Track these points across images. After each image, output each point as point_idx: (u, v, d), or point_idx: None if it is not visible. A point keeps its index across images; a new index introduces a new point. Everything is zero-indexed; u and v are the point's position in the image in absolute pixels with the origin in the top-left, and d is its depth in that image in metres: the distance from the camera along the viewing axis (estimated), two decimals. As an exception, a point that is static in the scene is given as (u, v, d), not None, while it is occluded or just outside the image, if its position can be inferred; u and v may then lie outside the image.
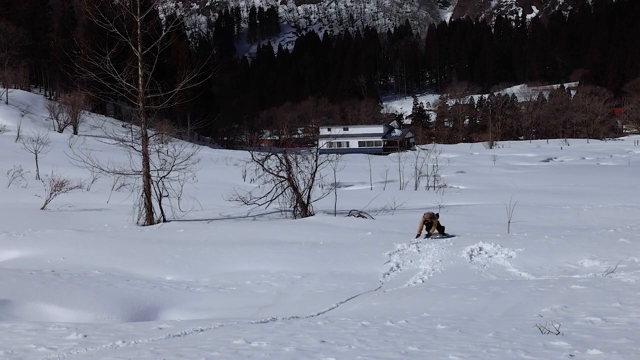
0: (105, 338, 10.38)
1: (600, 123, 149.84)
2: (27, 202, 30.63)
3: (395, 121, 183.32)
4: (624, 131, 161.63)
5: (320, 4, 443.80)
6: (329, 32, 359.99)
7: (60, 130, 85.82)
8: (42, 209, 28.96)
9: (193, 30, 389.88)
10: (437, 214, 22.54)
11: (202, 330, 10.98)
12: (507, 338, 9.49)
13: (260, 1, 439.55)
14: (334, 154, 34.48)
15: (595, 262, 16.89)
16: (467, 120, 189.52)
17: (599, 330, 9.93)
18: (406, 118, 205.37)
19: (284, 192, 28.60)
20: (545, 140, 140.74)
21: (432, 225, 21.87)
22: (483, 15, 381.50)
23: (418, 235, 21.95)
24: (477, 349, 8.85)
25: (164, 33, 28.96)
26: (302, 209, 28.36)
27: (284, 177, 28.64)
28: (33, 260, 18.69)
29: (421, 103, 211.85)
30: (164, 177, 26.98)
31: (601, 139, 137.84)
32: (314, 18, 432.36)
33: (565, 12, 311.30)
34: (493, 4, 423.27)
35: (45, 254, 19.46)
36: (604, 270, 15.84)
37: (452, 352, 8.70)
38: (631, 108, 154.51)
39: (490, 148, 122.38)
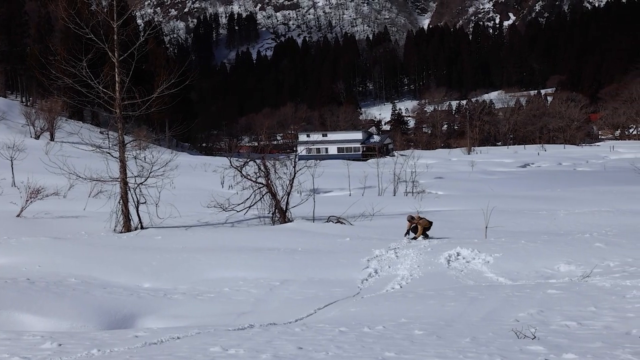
0: (81, 347, 10.30)
1: (577, 129, 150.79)
2: (3, 210, 30.41)
3: (374, 127, 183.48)
4: (599, 137, 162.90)
5: (299, 11, 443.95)
6: (307, 39, 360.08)
7: (37, 137, 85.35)
8: (18, 216, 28.76)
9: (171, 36, 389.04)
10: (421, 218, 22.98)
11: (178, 337, 10.93)
12: (483, 343, 9.51)
13: (239, 7, 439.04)
14: (313, 160, 34.49)
15: (571, 266, 16.98)
16: (445, 126, 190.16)
17: (574, 334, 9.98)
18: (385, 124, 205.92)
19: (262, 199, 28.56)
20: (523, 146, 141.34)
21: (417, 227, 22.38)
22: (461, 22, 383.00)
23: (407, 233, 22.67)
24: (454, 354, 8.88)
25: (141, 39, 28.85)
26: (281, 215, 28.33)
27: (262, 184, 28.61)
28: (8, 269, 18.53)
29: (400, 109, 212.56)
30: (141, 183, 26.85)
31: (577, 145, 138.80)
32: (293, 24, 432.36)
33: (542, 19, 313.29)
34: (470, 11, 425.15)
35: (20, 262, 19.30)
36: (579, 275, 15.93)
37: (429, 358, 8.72)
38: (607, 114, 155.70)
39: (469, 154, 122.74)
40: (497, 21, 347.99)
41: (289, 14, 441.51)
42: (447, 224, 26.46)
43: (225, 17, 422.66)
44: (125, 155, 26.79)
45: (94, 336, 11.49)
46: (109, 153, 27.20)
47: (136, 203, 26.68)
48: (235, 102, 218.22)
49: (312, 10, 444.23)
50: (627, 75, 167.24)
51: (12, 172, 43.73)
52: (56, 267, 18.83)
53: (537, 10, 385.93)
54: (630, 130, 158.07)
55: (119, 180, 26.50)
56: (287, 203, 28.80)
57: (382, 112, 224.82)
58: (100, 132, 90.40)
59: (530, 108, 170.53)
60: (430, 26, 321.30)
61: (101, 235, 24.80)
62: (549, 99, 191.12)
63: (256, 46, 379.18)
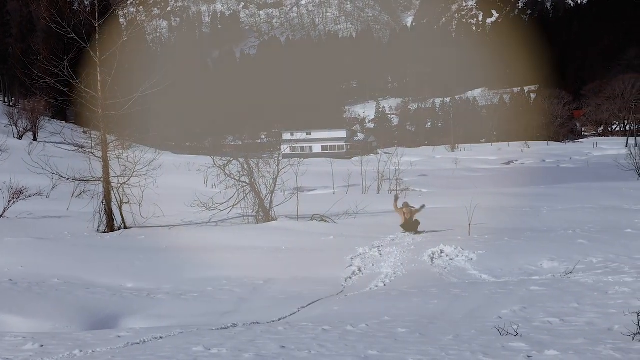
0: (63, 347, 10.26)
1: (560, 126, 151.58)
2: (-15, 210, 30.20)
3: (358, 125, 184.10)
4: (583, 133, 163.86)
5: (282, 9, 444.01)
6: (291, 37, 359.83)
7: (20, 137, 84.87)
8: (0, 216, 28.62)
9: (154, 35, 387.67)
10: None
11: (161, 337, 10.90)
12: (466, 340, 9.54)
13: (222, 6, 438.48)
14: (297, 159, 34.47)
15: (554, 263, 17.04)
16: (429, 123, 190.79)
17: (557, 330, 10.03)
18: (369, 122, 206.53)
19: (246, 197, 28.49)
20: (506, 143, 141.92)
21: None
22: (444, 19, 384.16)
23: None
24: (436, 352, 8.90)
25: (124, 38, 28.73)
26: (264, 214, 28.27)
27: (245, 182, 28.55)
28: (-10, 269, 18.40)
29: (384, 107, 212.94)
30: (124, 183, 26.74)
31: (561, 142, 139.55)
32: (276, 22, 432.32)
33: (525, 16, 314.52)
34: (454, 8, 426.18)
35: (3, 263, 19.14)
36: (562, 271, 16.00)
37: (412, 356, 8.73)
38: (590, 111, 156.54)
39: (452, 151, 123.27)
40: (480, 18, 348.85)
41: (272, 12, 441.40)
42: (431, 222, 26.47)
43: (208, 15, 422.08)
44: (108, 154, 26.67)
45: (76, 337, 11.45)
46: (91, 153, 27.07)
47: (119, 203, 26.57)
48: (218, 101, 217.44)
49: (295, 9, 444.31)
50: (610, 72, 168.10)
51: (-6, 173, 43.48)
52: (39, 268, 18.71)
53: (520, 7, 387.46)
54: (614, 127, 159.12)
55: (102, 180, 26.39)
56: (271, 202, 28.75)
57: (366, 110, 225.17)
58: (84, 132, 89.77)
59: (514, 105, 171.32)
60: (414, 23, 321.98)
61: (84, 235, 24.68)
62: (532, 96, 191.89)
63: (240, 45, 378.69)
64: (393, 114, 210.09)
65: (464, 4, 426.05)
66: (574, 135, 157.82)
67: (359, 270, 18.26)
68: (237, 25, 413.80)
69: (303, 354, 9.09)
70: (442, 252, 19.22)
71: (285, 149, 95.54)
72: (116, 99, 27.12)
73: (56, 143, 57.84)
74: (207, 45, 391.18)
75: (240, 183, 28.58)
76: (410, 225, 23.50)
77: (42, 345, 10.38)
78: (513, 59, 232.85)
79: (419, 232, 23.36)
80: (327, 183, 52.04)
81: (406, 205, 24.03)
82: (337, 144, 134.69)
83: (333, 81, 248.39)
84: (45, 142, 73.72)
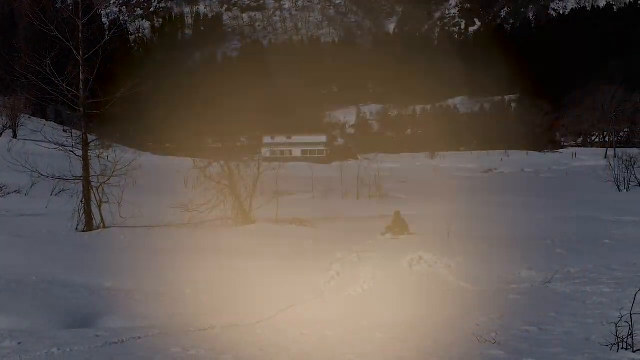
0: (41, 345, 10.22)
1: (540, 135, 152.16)
2: (-37, 207, 29.98)
3: (338, 130, 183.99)
4: (562, 144, 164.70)
5: (265, 12, 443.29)
6: (273, 40, 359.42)
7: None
8: (-22, 214, 28.39)
9: (137, 35, 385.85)
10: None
11: (139, 337, 10.87)
12: (445, 347, 9.58)
13: (205, 8, 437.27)
14: (277, 162, 34.48)
15: (532, 272, 17.14)
16: (409, 130, 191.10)
17: (534, 339, 10.10)
18: (349, 128, 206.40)
19: (225, 200, 28.43)
20: (486, 151, 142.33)
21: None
22: (426, 26, 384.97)
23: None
24: (414, 358, 8.93)
25: (106, 37, 28.61)
26: (244, 216, 28.23)
27: (225, 185, 28.50)
28: (-32, 267, 18.27)
29: (364, 113, 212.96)
30: (104, 182, 26.62)
31: (540, 152, 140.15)
32: (259, 26, 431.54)
33: (507, 26, 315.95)
34: (436, 16, 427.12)
35: (-20, 261, 19.03)
36: (540, 281, 16.09)
37: (390, 361, 8.77)
38: (569, 121, 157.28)
39: (432, 159, 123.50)
40: (463, 27, 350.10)
41: (255, 15, 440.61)
42: (410, 228, 26.56)
43: (191, 17, 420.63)
44: (89, 153, 26.53)
45: (54, 335, 11.40)
46: (72, 151, 26.91)
47: (99, 202, 26.43)
48: (200, 102, 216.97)
49: (278, 12, 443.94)
50: (590, 82, 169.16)
51: (-28, 170, 43.14)
52: (17, 266, 18.57)
53: (502, 16, 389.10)
54: (593, 138, 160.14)
55: (82, 179, 26.25)
56: (250, 205, 28.72)
57: (347, 116, 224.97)
58: (64, 131, 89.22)
59: (494, 114, 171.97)
60: (396, 30, 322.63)
61: (63, 234, 24.54)
62: (513, 105, 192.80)
63: (222, 47, 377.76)
64: (373, 120, 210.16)
65: (447, 12, 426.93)
66: (553, 145, 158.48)
67: (338, 274, 18.26)
68: (220, 27, 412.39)
69: (282, 357, 9.11)
70: (420, 258, 19.27)
71: (266, 152, 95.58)
72: (97, 98, 27.01)
73: (36, 141, 57.48)
74: (189, 46, 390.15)
75: (220, 185, 28.53)
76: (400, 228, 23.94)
77: (19, 343, 10.34)
78: (494, 68, 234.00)
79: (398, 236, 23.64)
80: (306, 187, 52.00)
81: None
82: (317, 148, 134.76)
83: (314, 85, 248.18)
84: (25, 139, 73.20)
